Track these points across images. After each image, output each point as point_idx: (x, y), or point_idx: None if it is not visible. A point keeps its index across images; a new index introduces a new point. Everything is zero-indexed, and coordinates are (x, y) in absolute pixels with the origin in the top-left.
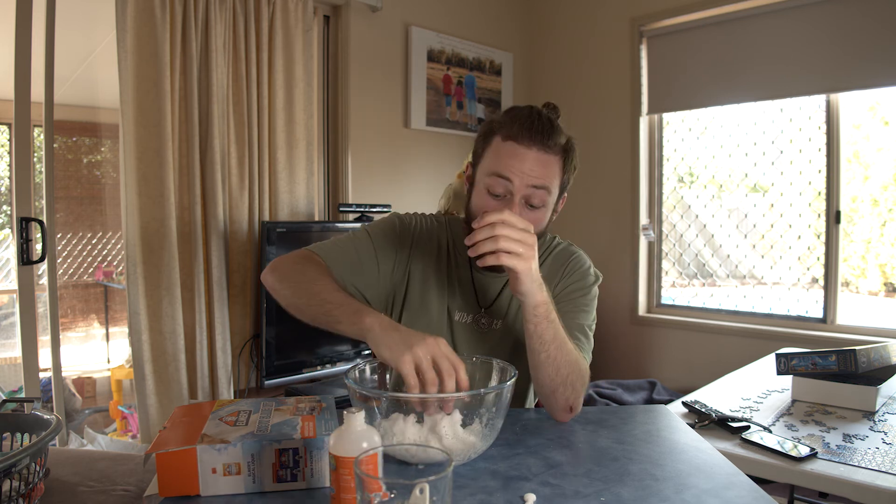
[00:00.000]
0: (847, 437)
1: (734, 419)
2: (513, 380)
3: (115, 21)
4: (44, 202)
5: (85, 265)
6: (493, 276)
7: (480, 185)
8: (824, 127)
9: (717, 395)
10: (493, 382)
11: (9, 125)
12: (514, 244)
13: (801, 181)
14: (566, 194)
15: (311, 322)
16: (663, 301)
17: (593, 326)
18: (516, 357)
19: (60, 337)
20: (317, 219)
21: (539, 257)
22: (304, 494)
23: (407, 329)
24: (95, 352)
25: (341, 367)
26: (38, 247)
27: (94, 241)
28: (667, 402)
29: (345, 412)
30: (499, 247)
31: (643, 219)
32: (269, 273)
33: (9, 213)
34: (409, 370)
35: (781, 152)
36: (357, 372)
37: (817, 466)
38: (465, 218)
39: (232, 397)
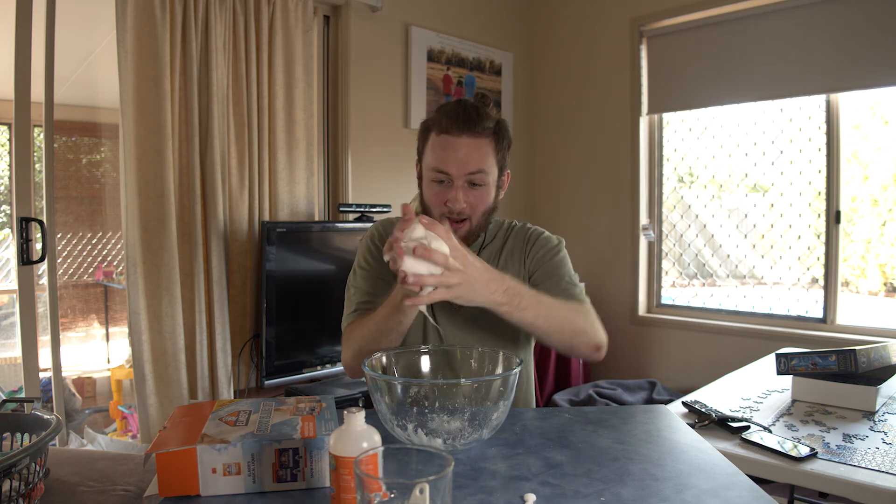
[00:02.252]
0: (847, 437)
1: (734, 419)
2: (519, 367)
3: (115, 21)
4: (44, 202)
5: (85, 265)
6: None
7: (427, 178)
8: (824, 127)
9: (717, 395)
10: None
11: (9, 125)
12: (433, 282)
13: (801, 181)
14: (509, 171)
15: (388, 346)
16: (663, 301)
17: (576, 276)
18: (495, 322)
19: (60, 337)
20: (317, 219)
21: (501, 239)
22: (304, 494)
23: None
24: (95, 352)
25: (341, 367)
26: (38, 247)
27: (94, 241)
28: (667, 402)
29: (345, 412)
30: (422, 296)
31: (643, 219)
32: (349, 358)
33: (9, 213)
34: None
35: (781, 152)
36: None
37: (817, 466)
38: (423, 209)
39: (232, 397)
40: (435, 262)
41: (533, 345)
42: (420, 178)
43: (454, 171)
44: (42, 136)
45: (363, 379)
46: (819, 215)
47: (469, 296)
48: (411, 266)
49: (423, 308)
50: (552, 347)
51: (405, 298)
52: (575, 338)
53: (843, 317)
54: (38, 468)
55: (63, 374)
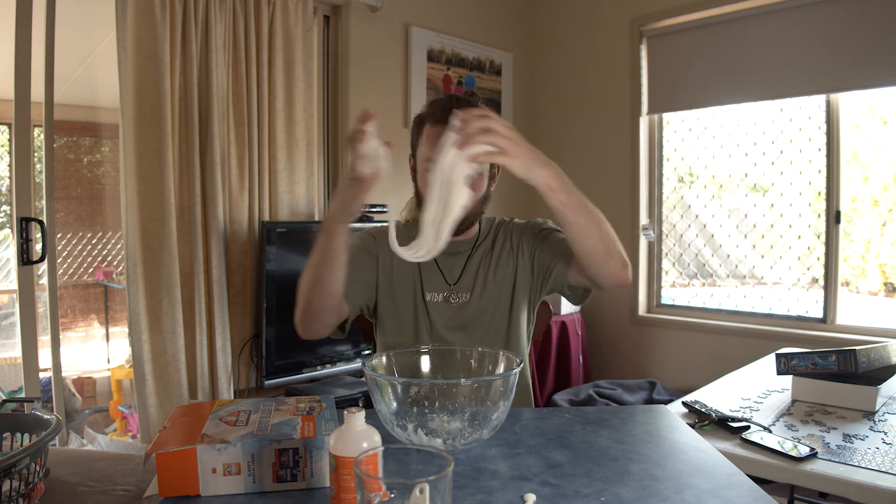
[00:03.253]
0: (847, 437)
1: (734, 419)
2: (519, 367)
3: (115, 21)
4: (44, 202)
5: (85, 265)
6: (454, 256)
7: (421, 169)
8: (824, 127)
9: (717, 395)
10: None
11: (9, 125)
12: (501, 139)
13: (801, 181)
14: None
15: (323, 291)
16: (663, 301)
17: None
18: (492, 327)
19: (60, 337)
20: (317, 219)
21: (493, 235)
22: (304, 494)
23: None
24: (95, 352)
25: (341, 367)
26: (38, 247)
27: (94, 241)
28: (667, 402)
29: (345, 412)
30: (490, 140)
31: (643, 219)
32: (297, 321)
33: (9, 213)
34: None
35: (781, 152)
36: None
37: (817, 466)
38: (417, 203)
39: (232, 397)
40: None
41: (530, 346)
42: (414, 171)
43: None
44: (42, 136)
45: (362, 379)
46: (819, 215)
47: (526, 162)
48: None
49: (393, 234)
50: (585, 253)
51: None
52: (610, 243)
53: (843, 317)
54: (38, 468)
55: (63, 374)
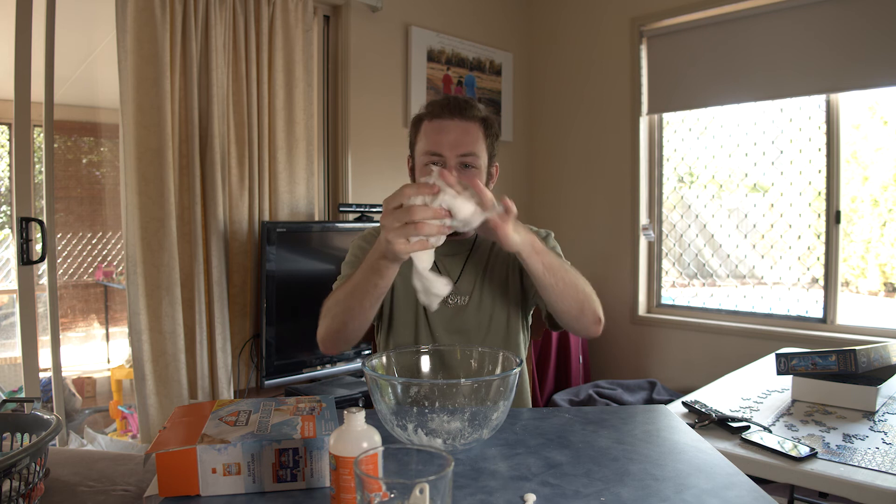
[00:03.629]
0: (847, 437)
1: (734, 419)
2: (518, 367)
3: (115, 21)
4: (44, 202)
5: (85, 265)
6: (452, 258)
7: (420, 164)
8: (824, 127)
9: (717, 395)
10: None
11: (9, 125)
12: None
13: (801, 181)
14: (497, 164)
15: (363, 319)
16: (663, 301)
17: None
18: (491, 328)
19: (60, 337)
20: (317, 219)
21: (489, 241)
22: (304, 494)
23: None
24: (95, 352)
25: (341, 367)
26: (38, 247)
27: (94, 241)
28: (667, 402)
29: (345, 412)
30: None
31: (643, 219)
32: (321, 332)
33: (9, 213)
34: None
35: (781, 152)
36: None
37: (817, 466)
38: None
39: (232, 397)
40: (485, 199)
41: (528, 346)
42: (412, 171)
43: (447, 151)
44: (42, 136)
45: (362, 379)
46: (819, 215)
47: (513, 234)
48: (460, 204)
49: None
50: (558, 312)
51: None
52: (585, 303)
53: (843, 317)
54: (38, 468)
55: (63, 374)
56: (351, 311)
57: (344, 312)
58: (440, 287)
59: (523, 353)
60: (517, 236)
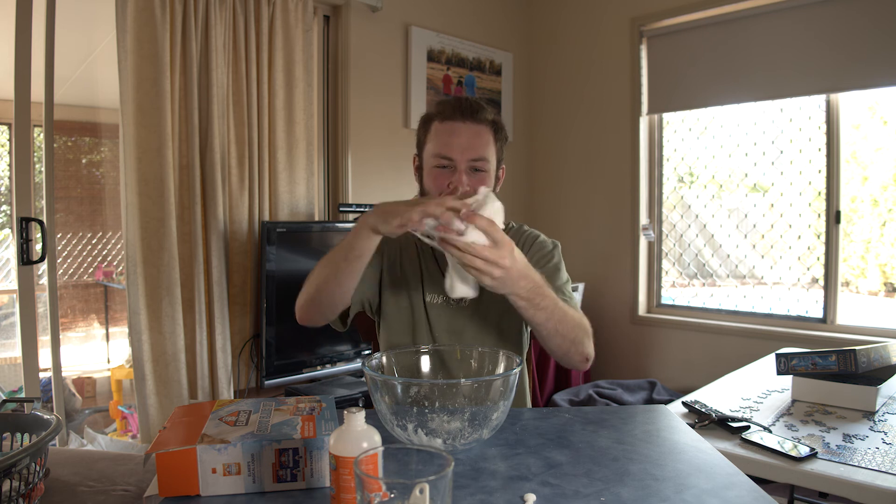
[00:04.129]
0: (847, 437)
1: (734, 419)
2: (518, 367)
3: (115, 21)
4: (44, 202)
5: (85, 265)
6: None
7: (428, 165)
8: (824, 127)
9: (717, 395)
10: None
11: (9, 125)
12: (479, 266)
13: (801, 181)
14: (504, 167)
15: (336, 286)
16: (663, 301)
17: (569, 283)
18: (492, 328)
19: (60, 337)
20: (317, 219)
21: None
22: (304, 494)
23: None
24: (95, 352)
25: (341, 367)
26: (38, 247)
27: (94, 241)
28: (667, 402)
29: (345, 412)
30: (474, 266)
31: (643, 219)
32: (299, 307)
33: (9, 213)
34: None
35: (781, 152)
36: None
37: (817, 466)
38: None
39: (232, 397)
40: (498, 243)
41: (528, 347)
42: (419, 170)
43: (458, 155)
44: (42, 136)
45: (362, 379)
46: (819, 215)
47: (502, 288)
48: (473, 234)
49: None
50: (546, 349)
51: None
52: (573, 346)
53: (843, 317)
54: (38, 468)
55: (63, 374)
56: (326, 278)
57: (318, 278)
58: (467, 290)
59: (524, 353)
60: (507, 288)
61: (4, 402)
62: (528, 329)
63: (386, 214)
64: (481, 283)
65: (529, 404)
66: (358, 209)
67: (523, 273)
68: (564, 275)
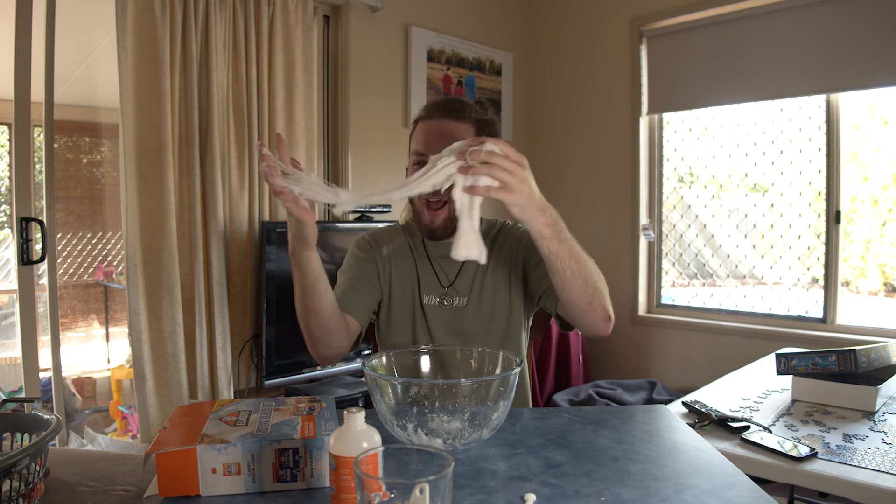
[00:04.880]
0: (847, 437)
1: (734, 419)
2: (518, 368)
3: (115, 21)
4: (44, 202)
5: (85, 265)
6: (450, 258)
7: (410, 163)
8: (824, 127)
9: (717, 395)
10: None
11: (9, 125)
12: (505, 174)
13: (801, 181)
14: None
15: (319, 317)
16: (663, 301)
17: None
18: (490, 329)
19: (60, 337)
20: (317, 219)
21: (494, 240)
22: (304, 494)
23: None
24: (95, 352)
25: (341, 367)
26: (38, 247)
27: (94, 241)
28: (667, 402)
29: (345, 412)
30: (492, 174)
31: (643, 219)
32: (309, 347)
33: (9, 213)
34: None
35: (781, 152)
36: None
37: (817, 466)
38: (409, 202)
39: (232, 397)
40: (511, 156)
41: (529, 346)
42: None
43: (425, 150)
44: (42, 136)
45: (362, 379)
46: (819, 215)
47: (517, 205)
48: (477, 170)
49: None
50: (568, 301)
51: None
52: (595, 296)
53: (843, 317)
54: (38, 468)
55: (63, 374)
56: (304, 312)
57: (304, 321)
58: (475, 252)
59: (524, 353)
60: (525, 211)
61: (4, 402)
62: (528, 330)
63: (290, 230)
64: (508, 200)
65: (531, 404)
66: (358, 209)
67: (544, 201)
68: None
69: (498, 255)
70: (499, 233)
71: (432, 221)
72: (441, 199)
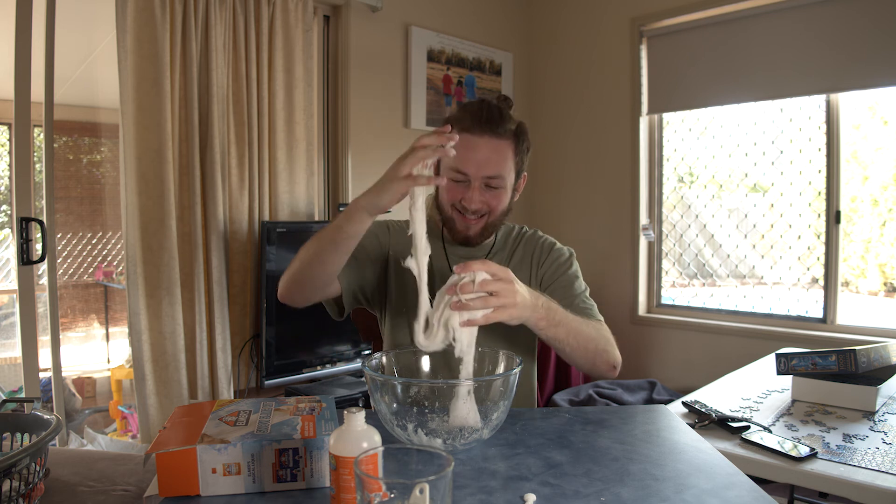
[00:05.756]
0: (847, 437)
1: (734, 419)
2: (519, 367)
3: (115, 21)
4: (44, 202)
5: (85, 265)
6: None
7: (444, 176)
8: (824, 127)
9: (717, 395)
10: (501, 370)
11: (9, 125)
12: (498, 300)
13: (801, 181)
14: (526, 174)
15: (320, 265)
16: (663, 301)
17: (587, 291)
18: (501, 328)
19: (60, 337)
20: (317, 219)
21: (511, 246)
22: (304, 494)
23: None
24: (95, 352)
25: (341, 367)
26: (38, 247)
27: (94, 241)
28: (667, 402)
29: (345, 412)
30: (487, 304)
31: (643, 219)
32: (281, 282)
33: (9, 213)
34: (404, 184)
35: (781, 152)
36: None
37: (817, 466)
38: (436, 204)
39: (232, 397)
40: (496, 274)
41: (535, 347)
42: (437, 172)
43: (473, 171)
44: (42, 136)
45: (362, 379)
46: (819, 215)
47: (520, 313)
48: (468, 314)
49: (414, 268)
50: (573, 364)
51: (461, 322)
52: (597, 357)
53: (843, 317)
54: (38, 468)
55: (63, 374)
56: (311, 257)
57: (304, 255)
58: (472, 421)
59: (535, 353)
60: (522, 319)
61: (4, 402)
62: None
63: (380, 189)
64: (505, 319)
65: (536, 404)
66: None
67: (534, 296)
68: (582, 283)
69: (518, 264)
70: (519, 238)
71: (468, 228)
72: (480, 212)
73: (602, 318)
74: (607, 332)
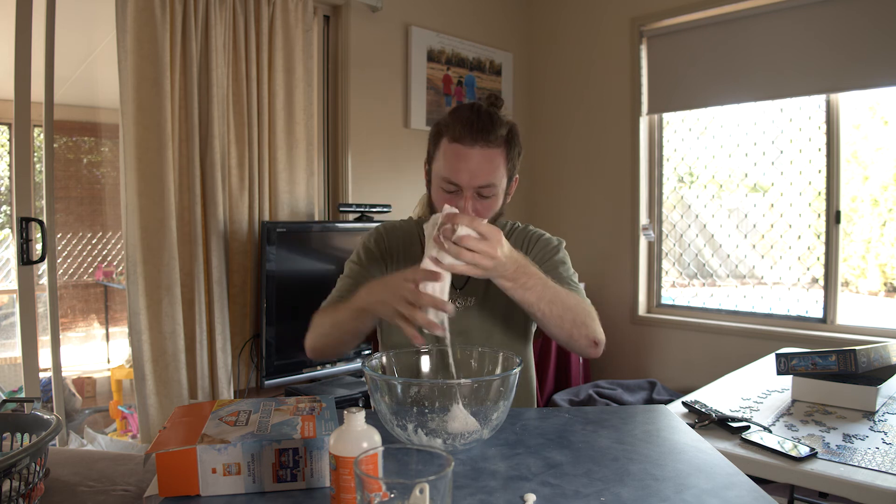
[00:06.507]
0: (847, 437)
1: (734, 419)
2: (519, 367)
3: (115, 21)
4: (44, 202)
5: (85, 265)
6: None
7: (436, 185)
8: (824, 127)
9: (717, 395)
10: (499, 370)
11: (9, 125)
12: (479, 258)
13: (801, 181)
14: (517, 176)
15: (341, 344)
16: (663, 301)
17: (575, 276)
18: (497, 325)
19: (60, 337)
20: (317, 219)
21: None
22: (304, 494)
23: (379, 282)
24: (95, 352)
25: (341, 367)
26: (38, 247)
27: (94, 241)
28: (667, 402)
29: (345, 412)
30: (461, 257)
31: (643, 219)
32: (307, 344)
33: (9, 213)
34: (400, 324)
35: (781, 152)
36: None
37: (817, 466)
38: (429, 211)
39: (232, 397)
40: (484, 234)
41: (531, 346)
42: (428, 179)
43: (465, 182)
44: (42, 136)
45: (362, 379)
46: (819, 215)
47: (491, 275)
48: (461, 231)
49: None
50: (551, 335)
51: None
52: (574, 329)
53: (843, 317)
54: (38, 468)
55: (63, 374)
56: (334, 338)
57: (326, 337)
58: (471, 426)
59: (529, 354)
60: (497, 274)
61: (4, 402)
62: (533, 332)
63: (382, 303)
64: (474, 274)
65: (536, 404)
66: (358, 209)
67: (510, 257)
68: (570, 269)
69: None
70: (510, 234)
71: None
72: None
73: (589, 301)
74: (590, 307)
